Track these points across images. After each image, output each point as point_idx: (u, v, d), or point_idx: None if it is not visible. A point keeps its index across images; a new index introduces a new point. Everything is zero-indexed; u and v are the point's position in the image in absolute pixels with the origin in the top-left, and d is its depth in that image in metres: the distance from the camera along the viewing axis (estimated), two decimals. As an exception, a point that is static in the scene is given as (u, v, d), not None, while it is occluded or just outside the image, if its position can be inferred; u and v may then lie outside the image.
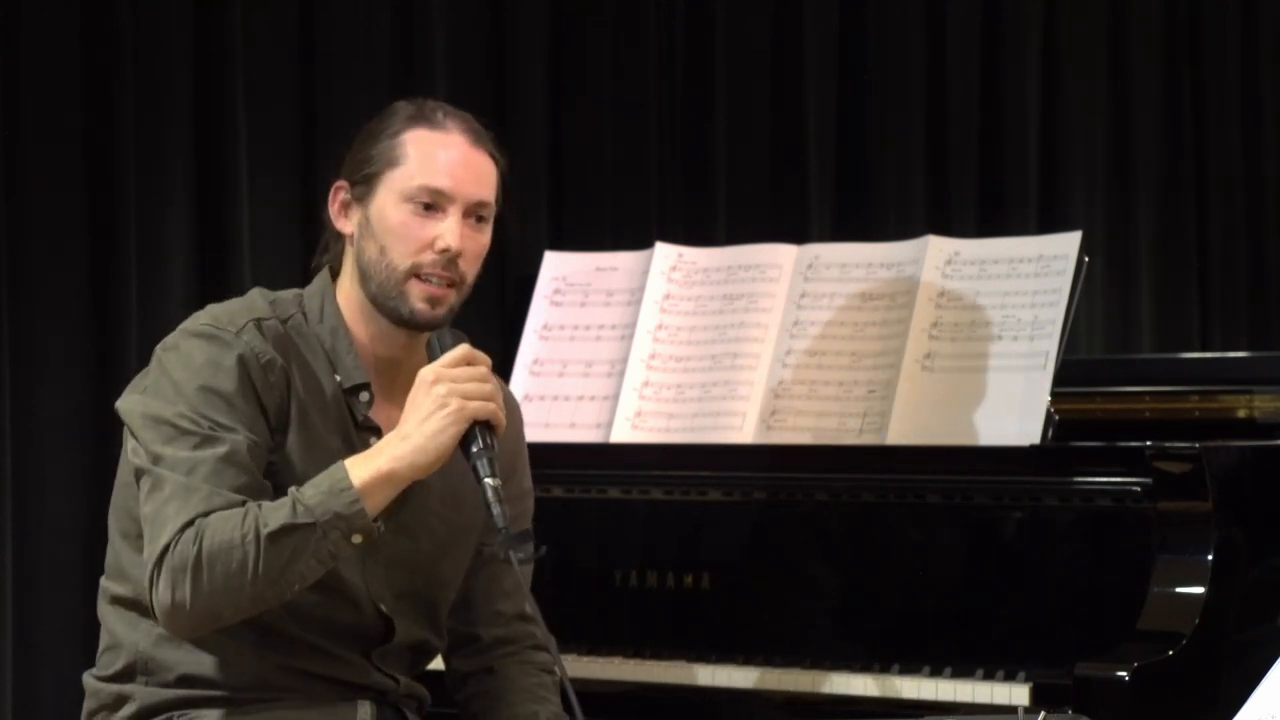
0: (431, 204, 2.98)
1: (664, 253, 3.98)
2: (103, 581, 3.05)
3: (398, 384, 3.01)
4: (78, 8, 4.67)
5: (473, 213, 3.00)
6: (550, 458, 3.51)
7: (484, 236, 3.03)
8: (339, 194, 3.04)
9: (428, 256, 2.97)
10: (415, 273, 2.97)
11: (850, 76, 6.07)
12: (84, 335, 4.66)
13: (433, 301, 2.98)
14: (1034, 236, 3.79)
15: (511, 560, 2.81)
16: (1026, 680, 3.36)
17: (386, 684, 3.06)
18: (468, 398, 2.87)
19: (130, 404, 2.95)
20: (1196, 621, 3.29)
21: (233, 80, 4.85)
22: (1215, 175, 6.83)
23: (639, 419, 3.86)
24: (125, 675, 3.00)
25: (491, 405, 2.88)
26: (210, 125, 4.84)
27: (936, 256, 3.74)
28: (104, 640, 3.05)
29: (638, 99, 5.66)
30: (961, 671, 3.44)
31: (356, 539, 2.85)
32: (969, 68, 6.30)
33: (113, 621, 3.03)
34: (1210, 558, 3.33)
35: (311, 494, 2.84)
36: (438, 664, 3.67)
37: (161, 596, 2.84)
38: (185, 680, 2.97)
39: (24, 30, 4.60)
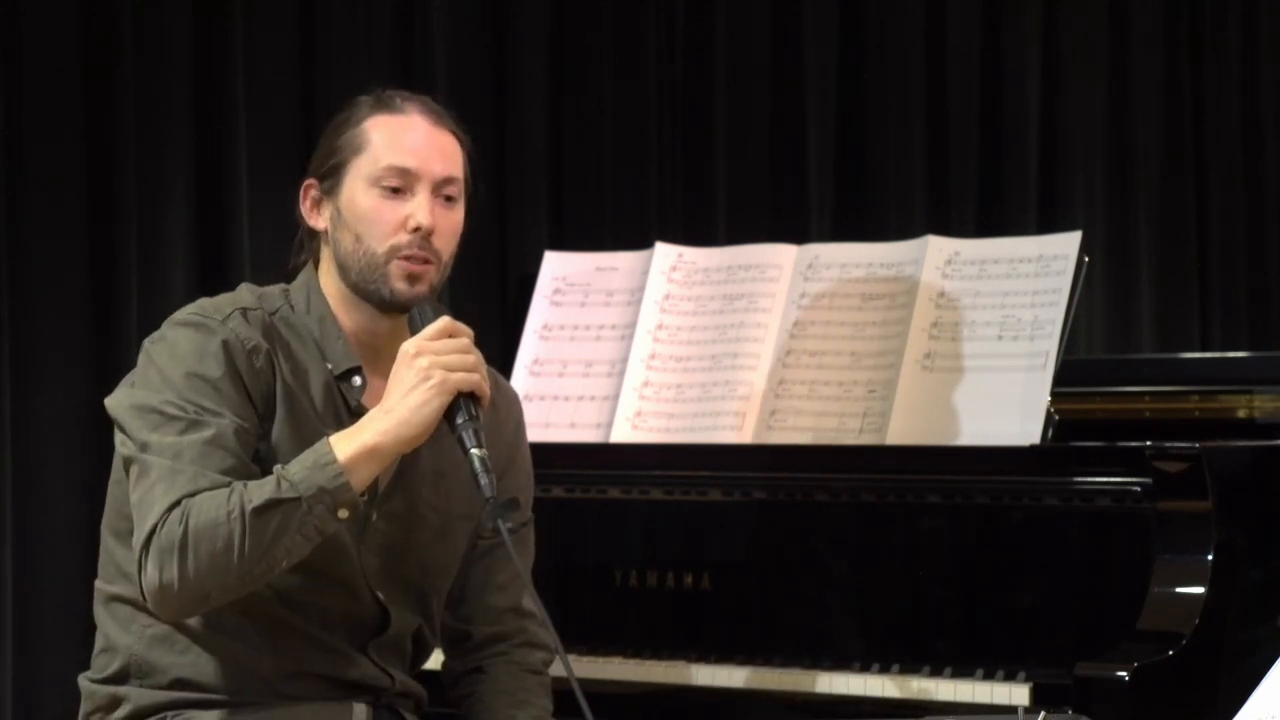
0: (399, 186, 2.99)
1: (664, 253, 3.98)
2: (97, 584, 3.06)
3: (385, 367, 2.99)
4: (78, 7, 4.67)
5: (440, 190, 3.02)
6: (550, 458, 3.51)
7: (456, 214, 3.04)
8: (309, 192, 3.07)
9: (403, 237, 2.98)
10: (393, 255, 2.98)
11: (850, 76, 6.07)
12: (84, 335, 4.66)
13: (412, 279, 2.98)
14: (1034, 236, 3.78)
15: (500, 529, 2.80)
16: (1026, 680, 3.36)
17: (381, 680, 3.05)
18: (450, 369, 2.86)
19: (118, 399, 2.96)
20: (1196, 621, 3.29)
21: (233, 80, 4.85)
22: (1215, 175, 6.84)
23: (639, 419, 3.86)
24: (119, 678, 3.00)
25: (475, 376, 2.87)
26: (210, 125, 4.84)
27: (936, 256, 3.73)
28: (99, 642, 3.05)
29: (638, 98, 5.66)
30: (961, 671, 3.44)
31: (343, 514, 2.84)
32: (969, 68, 6.31)
33: (107, 623, 3.03)
34: (1210, 558, 3.33)
35: (296, 470, 2.84)
36: (437, 664, 3.67)
37: (150, 578, 2.84)
38: (179, 683, 2.97)
39: (24, 30, 4.61)
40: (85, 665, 3.09)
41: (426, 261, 2.99)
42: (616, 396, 3.88)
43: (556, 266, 4.05)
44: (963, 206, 6.25)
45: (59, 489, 4.56)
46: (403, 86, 5.06)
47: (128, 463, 2.92)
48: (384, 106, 3.06)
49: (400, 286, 2.98)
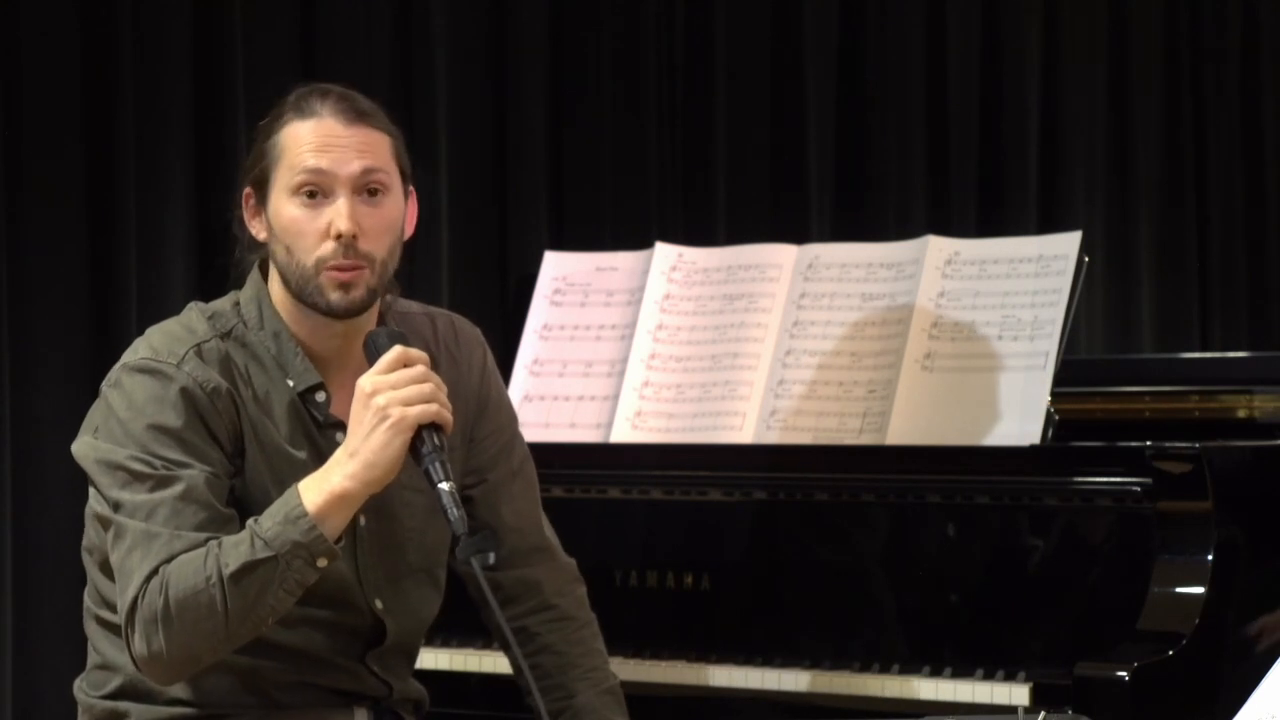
0: (316, 190, 2.90)
1: (664, 253, 3.98)
2: (86, 600, 3.03)
3: (348, 373, 2.96)
4: (78, 7, 4.67)
5: (361, 187, 2.90)
6: (550, 458, 3.51)
7: (385, 209, 2.92)
8: (249, 201, 2.99)
9: (328, 247, 2.88)
10: (321, 266, 2.89)
11: (850, 77, 6.07)
12: (84, 335, 4.66)
13: (345, 287, 2.89)
14: (1034, 236, 3.79)
15: (474, 567, 2.74)
16: (1026, 680, 3.36)
17: (380, 690, 3.04)
18: (408, 403, 2.79)
19: (84, 449, 2.92)
20: (1196, 621, 3.29)
21: (233, 80, 4.85)
22: (1215, 175, 6.84)
23: (639, 419, 3.86)
24: (118, 695, 2.99)
25: (433, 407, 2.81)
26: (210, 125, 4.84)
27: (936, 256, 3.73)
28: (93, 657, 3.03)
29: (638, 99, 5.66)
30: (961, 671, 3.44)
31: (321, 563, 2.81)
32: (969, 68, 6.31)
33: (100, 641, 3.01)
34: (1210, 558, 3.33)
35: (268, 525, 2.80)
36: (436, 663, 3.67)
37: (138, 649, 2.83)
38: (177, 701, 2.96)
39: (24, 30, 4.61)
40: (84, 668, 3.08)
41: (356, 268, 2.89)
42: (616, 396, 3.88)
43: (556, 266, 4.05)
44: (963, 206, 6.25)
45: (59, 489, 4.56)
46: (403, 86, 5.15)
47: (104, 521, 2.89)
48: (298, 111, 2.92)
49: (335, 297, 2.90)
